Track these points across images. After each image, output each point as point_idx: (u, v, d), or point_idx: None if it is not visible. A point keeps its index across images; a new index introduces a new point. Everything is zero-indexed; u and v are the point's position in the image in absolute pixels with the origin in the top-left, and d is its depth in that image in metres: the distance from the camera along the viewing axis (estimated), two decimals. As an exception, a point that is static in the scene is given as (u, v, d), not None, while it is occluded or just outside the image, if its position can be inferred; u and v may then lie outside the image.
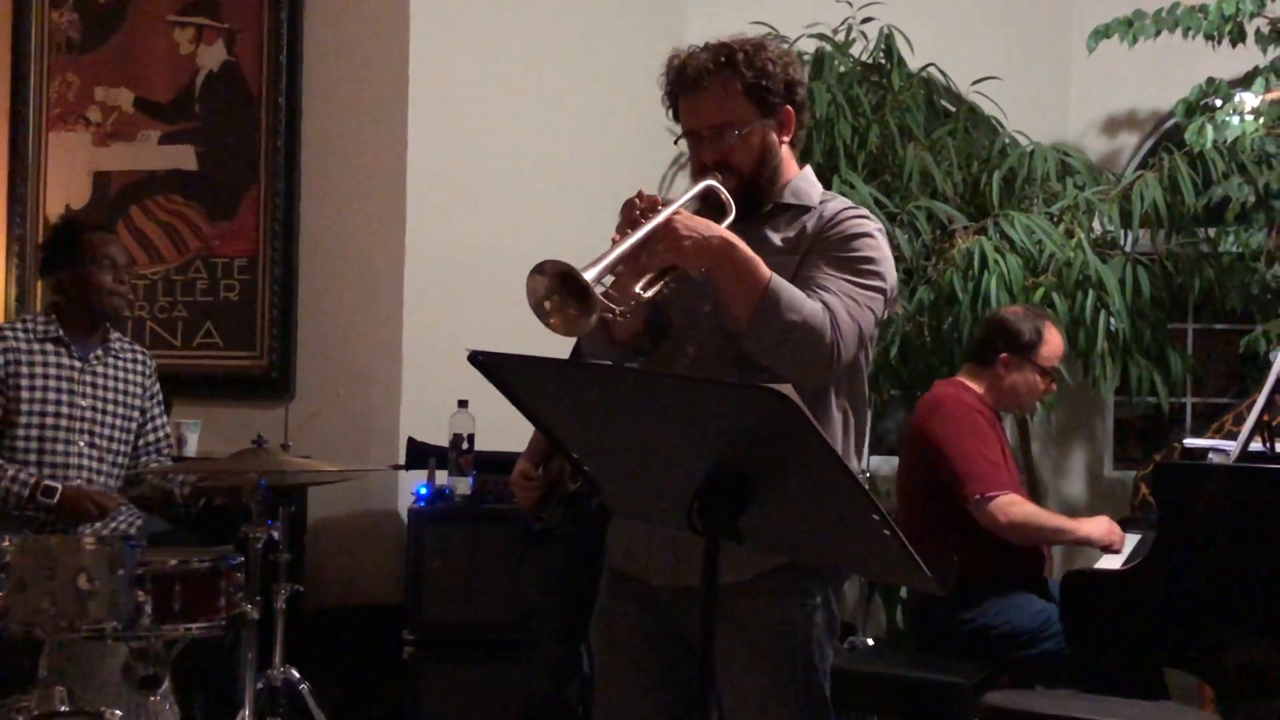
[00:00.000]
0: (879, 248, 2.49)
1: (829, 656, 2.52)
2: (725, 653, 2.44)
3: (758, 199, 2.52)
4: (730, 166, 2.48)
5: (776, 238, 2.48)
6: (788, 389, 1.54)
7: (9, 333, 3.94)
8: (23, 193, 5.36)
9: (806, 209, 2.52)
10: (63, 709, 3.14)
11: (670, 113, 2.58)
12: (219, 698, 3.92)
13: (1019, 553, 3.95)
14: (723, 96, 2.47)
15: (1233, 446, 3.62)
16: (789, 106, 2.52)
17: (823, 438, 1.59)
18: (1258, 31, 5.14)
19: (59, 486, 3.80)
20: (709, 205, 2.43)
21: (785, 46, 2.60)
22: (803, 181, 2.58)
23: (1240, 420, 4.27)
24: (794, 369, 2.30)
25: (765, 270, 2.32)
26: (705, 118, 2.48)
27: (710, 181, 2.44)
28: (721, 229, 2.34)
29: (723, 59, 2.46)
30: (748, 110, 2.48)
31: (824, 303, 2.35)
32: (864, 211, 2.55)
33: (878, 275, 2.45)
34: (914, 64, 5.48)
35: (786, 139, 2.55)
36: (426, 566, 4.43)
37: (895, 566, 1.75)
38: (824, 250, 2.45)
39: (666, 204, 2.33)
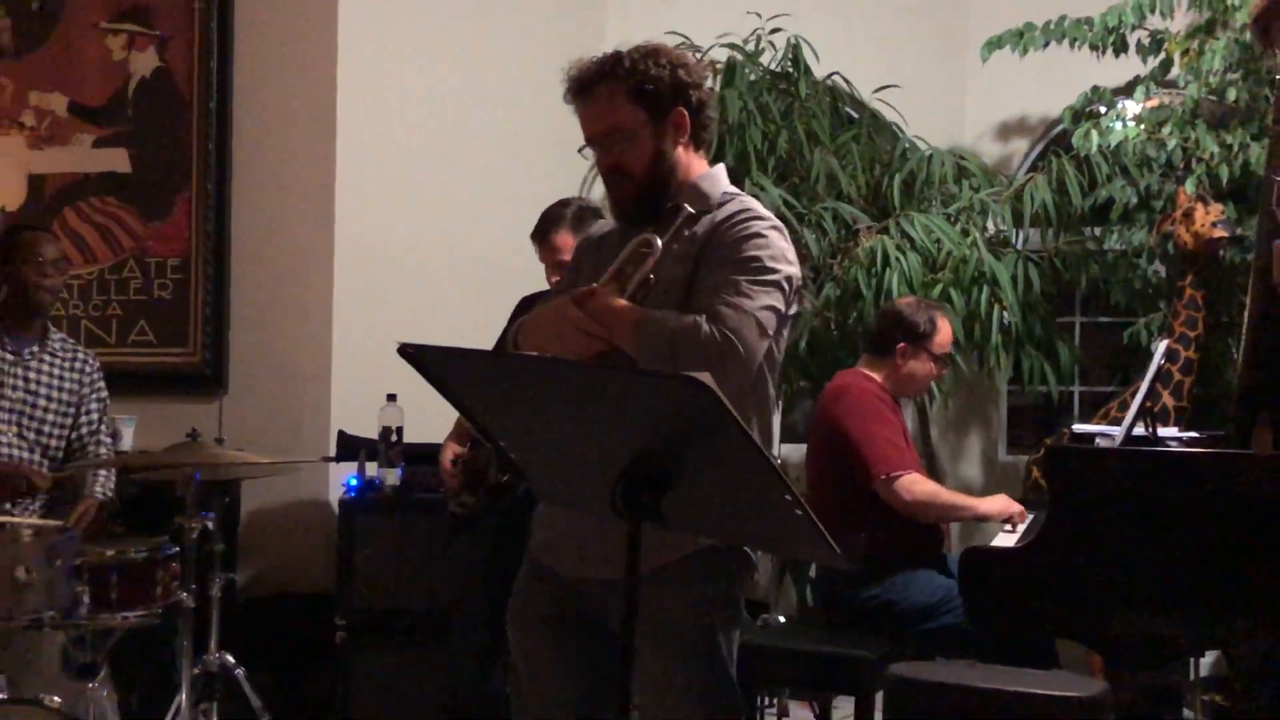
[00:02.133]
0: (769, 245, 2.45)
1: (734, 640, 2.50)
2: (641, 636, 2.45)
3: (656, 200, 2.49)
4: (623, 171, 2.48)
5: (682, 238, 2.44)
6: (706, 377, 1.54)
7: (-57, 327, 3.88)
8: (-43, 195, 5.26)
9: (709, 210, 2.48)
10: (2, 697, 3.09)
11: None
12: (156, 684, 3.90)
13: (920, 531, 4.00)
14: (609, 103, 2.46)
15: (1118, 431, 3.68)
16: (681, 108, 2.48)
17: (740, 424, 1.59)
18: (1139, 42, 5.22)
19: None
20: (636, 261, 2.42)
21: (683, 52, 2.57)
22: (705, 181, 2.54)
23: (1125, 407, 4.35)
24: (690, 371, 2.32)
25: (630, 313, 2.33)
26: (595, 124, 2.48)
27: (637, 242, 2.42)
28: (608, 305, 2.34)
29: (607, 67, 2.45)
30: (634, 115, 2.45)
31: (709, 309, 2.33)
32: (756, 213, 2.50)
33: (769, 270, 2.41)
34: (820, 72, 5.51)
35: (683, 140, 2.51)
36: (357, 555, 4.40)
37: (807, 544, 1.77)
38: (715, 257, 2.43)
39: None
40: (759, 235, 2.45)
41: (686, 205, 2.46)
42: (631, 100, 2.44)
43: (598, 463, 1.77)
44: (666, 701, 2.43)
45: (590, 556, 2.42)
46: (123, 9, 5.12)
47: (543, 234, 3.98)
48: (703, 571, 2.43)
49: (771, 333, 2.42)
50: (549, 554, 2.53)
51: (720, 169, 2.61)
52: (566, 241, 3.90)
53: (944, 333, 4.16)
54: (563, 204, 4.03)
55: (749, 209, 2.51)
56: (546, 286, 3.96)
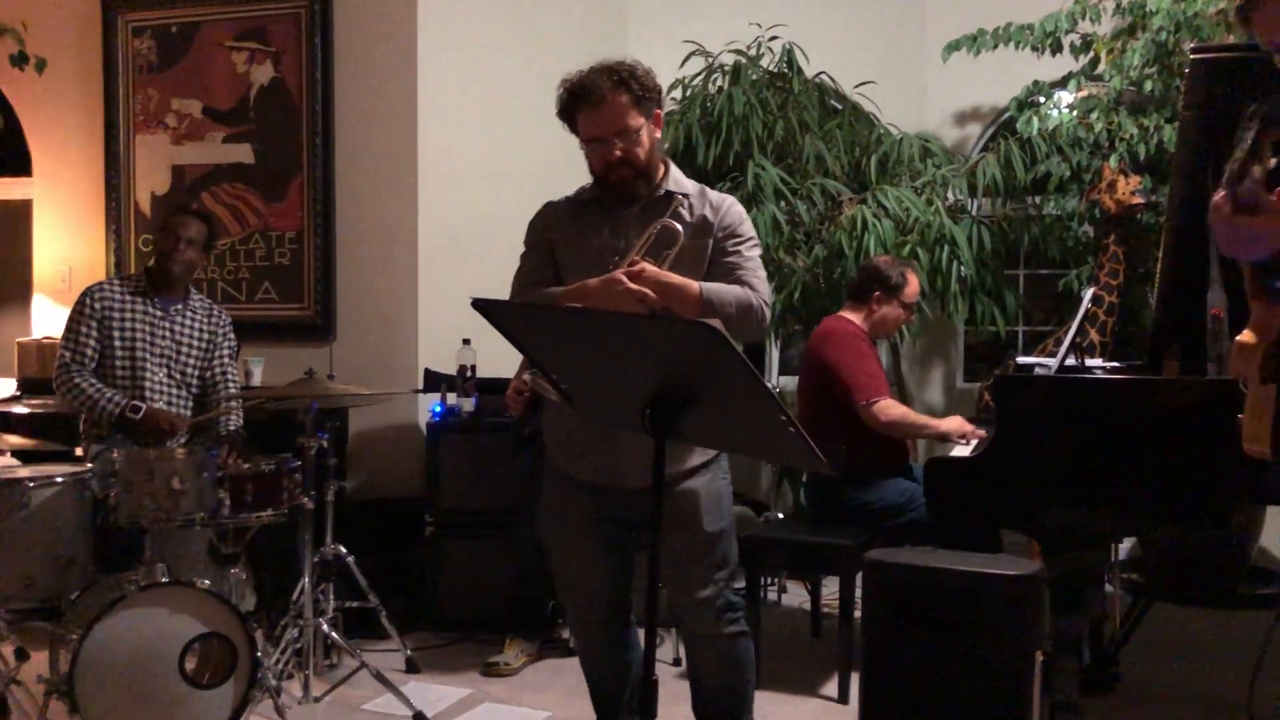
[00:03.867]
0: (748, 219, 2.66)
1: (731, 514, 2.68)
2: (665, 523, 2.52)
3: (649, 183, 2.59)
4: (630, 161, 2.55)
5: (685, 221, 2.54)
6: (716, 323, 1.56)
7: (108, 287, 3.88)
8: (116, 183, 5.26)
9: (688, 195, 2.60)
10: (163, 580, 3.15)
11: (565, 124, 2.61)
12: (284, 569, 3.92)
13: (890, 446, 4.01)
14: (620, 107, 2.52)
15: (1053, 362, 3.67)
16: (658, 110, 2.60)
17: (743, 359, 1.61)
18: (1071, 44, 5.16)
19: (144, 406, 3.74)
20: (660, 241, 2.51)
21: (642, 63, 2.64)
22: (676, 172, 2.67)
23: (1059, 343, 4.33)
24: (744, 334, 2.52)
25: (695, 286, 2.47)
26: (610, 125, 2.52)
27: (659, 226, 2.50)
28: (660, 276, 2.44)
29: (616, 79, 2.52)
30: (637, 116, 2.54)
31: (746, 284, 2.52)
32: (731, 197, 2.69)
33: (757, 242, 2.65)
34: (810, 72, 5.46)
35: (658, 135, 2.63)
36: (441, 467, 4.43)
37: (799, 454, 1.78)
38: (728, 238, 2.57)
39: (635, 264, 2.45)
40: (746, 216, 2.65)
41: (678, 194, 2.59)
42: (635, 105, 2.53)
43: (630, 391, 1.79)
44: (697, 561, 2.58)
45: (625, 470, 2.53)
46: (245, 30, 5.09)
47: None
48: (716, 463, 2.61)
49: None
50: (585, 471, 2.62)
51: (671, 162, 2.70)
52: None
53: (912, 285, 4.15)
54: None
55: (725, 195, 2.69)
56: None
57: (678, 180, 2.64)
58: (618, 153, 2.52)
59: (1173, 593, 4.29)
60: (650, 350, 1.72)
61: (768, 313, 2.55)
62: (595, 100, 2.51)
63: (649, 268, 2.43)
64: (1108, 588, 4.12)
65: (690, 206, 2.57)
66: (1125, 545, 4.80)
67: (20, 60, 4.74)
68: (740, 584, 3.18)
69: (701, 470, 2.58)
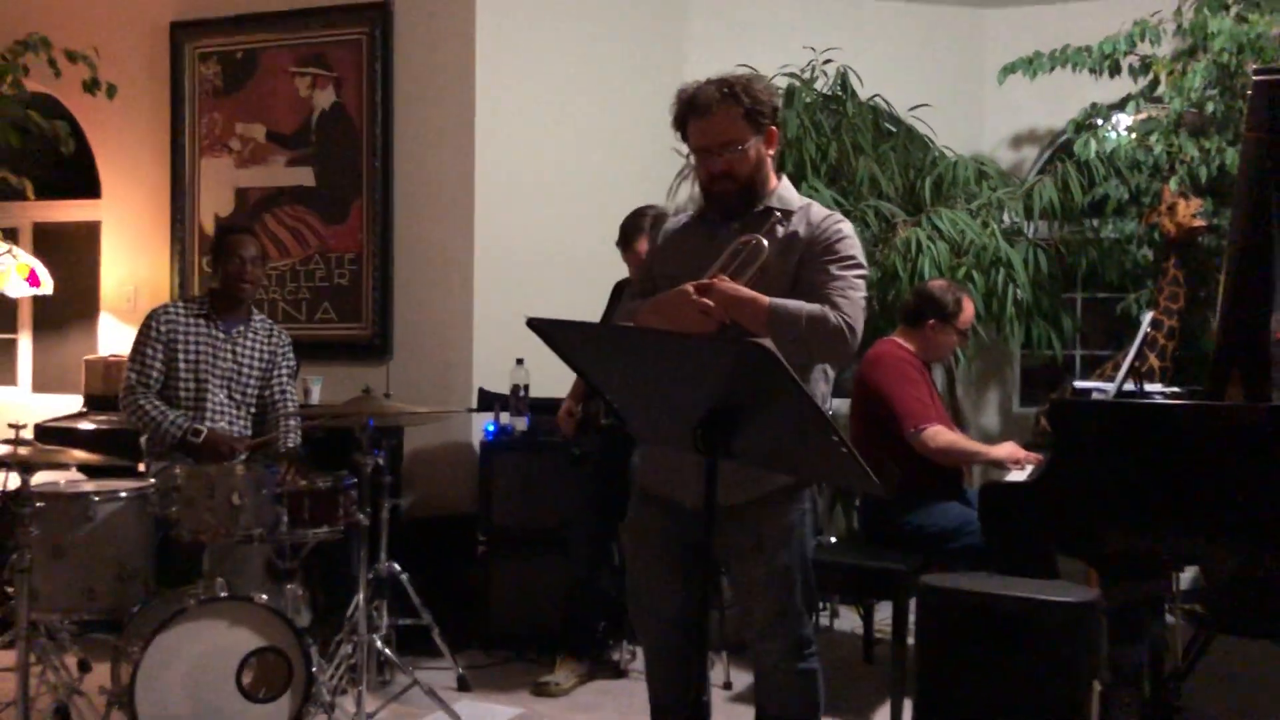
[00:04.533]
0: (854, 243, 2.51)
1: (813, 547, 2.57)
2: (738, 551, 2.50)
3: (752, 200, 2.51)
4: (734, 175, 2.48)
5: (776, 238, 2.46)
6: (767, 342, 1.55)
7: (172, 309, 3.96)
8: (182, 205, 5.37)
9: (791, 211, 2.51)
10: (221, 594, 3.19)
11: (680, 134, 2.56)
12: (338, 585, 3.94)
13: (944, 469, 3.95)
14: (728, 120, 2.45)
15: (1111, 387, 3.62)
16: (773, 127, 2.52)
17: (795, 379, 1.60)
18: (1130, 66, 5.10)
19: (204, 430, 3.80)
20: (744, 257, 2.44)
21: (769, 82, 2.59)
22: (785, 189, 2.57)
23: (1117, 368, 4.26)
24: (820, 354, 2.40)
25: (764, 300, 2.36)
26: (715, 136, 2.47)
27: (743, 242, 2.44)
28: (730, 291, 2.36)
29: (726, 90, 2.46)
30: (746, 130, 2.47)
31: (828, 301, 2.38)
32: (838, 215, 2.56)
33: (858, 264, 2.49)
34: (864, 95, 5.44)
35: (771, 153, 2.55)
36: (494, 485, 4.45)
37: (850, 474, 1.77)
38: (817, 255, 2.46)
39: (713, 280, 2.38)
40: (849, 236, 2.50)
41: (775, 209, 2.50)
42: (745, 119, 2.46)
43: (682, 410, 1.78)
44: (769, 592, 2.49)
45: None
46: (307, 56, 5.18)
47: (626, 242, 3.93)
48: (794, 494, 2.49)
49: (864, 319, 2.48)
50: (665, 486, 2.52)
51: (786, 179, 2.62)
52: (646, 246, 3.87)
53: (967, 312, 4.09)
54: (639, 214, 3.94)
55: (832, 213, 2.56)
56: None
57: (783, 196, 2.55)
58: (721, 165, 2.48)
59: (1236, 624, 4.18)
60: (701, 369, 1.72)
61: (851, 335, 2.37)
62: (703, 110, 2.47)
63: (721, 282, 2.37)
64: (1168, 618, 4.03)
65: (786, 223, 2.49)
66: (1187, 575, 4.70)
67: (92, 86, 4.86)
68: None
69: (781, 498, 2.49)
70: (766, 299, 2.37)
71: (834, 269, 2.43)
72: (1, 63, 4.79)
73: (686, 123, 2.51)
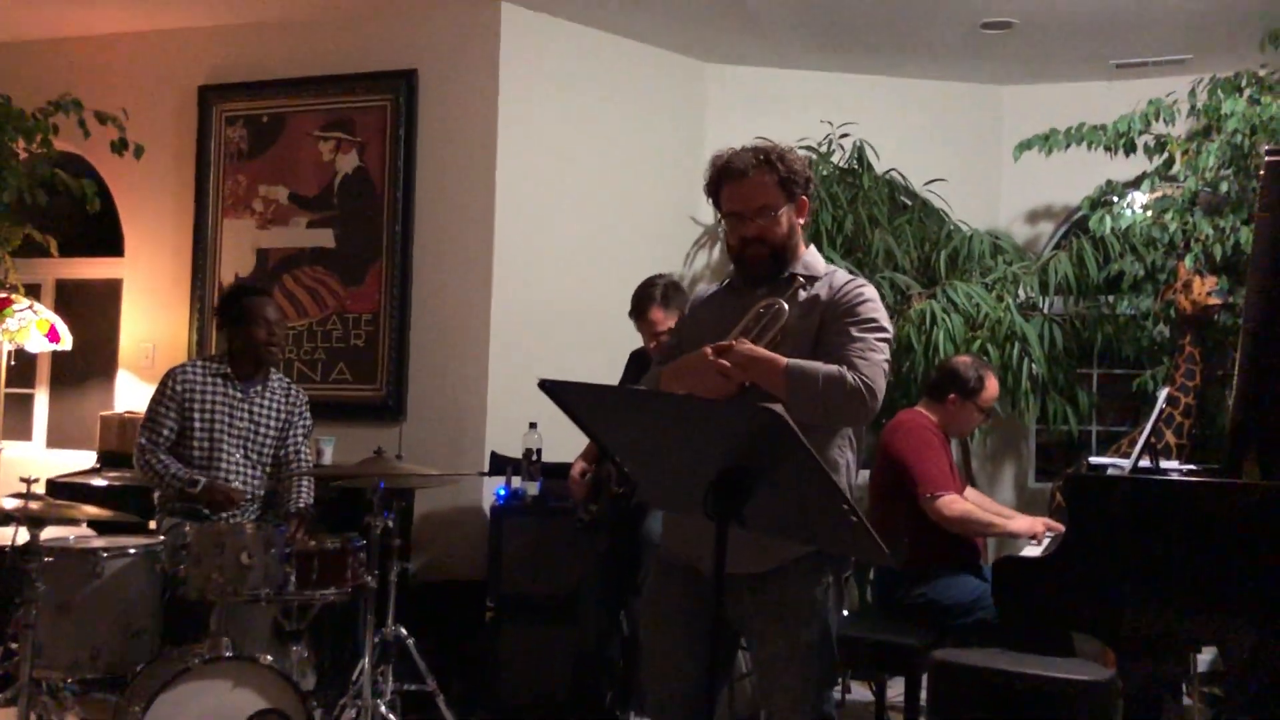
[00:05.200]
0: (876, 306, 2.49)
1: (837, 622, 2.50)
2: (760, 623, 2.44)
3: (781, 266, 2.52)
4: (766, 239, 2.49)
5: (798, 302, 2.48)
6: (778, 407, 1.55)
7: (190, 369, 3.98)
8: (203, 264, 5.43)
9: (816, 277, 2.53)
10: (227, 654, 3.17)
11: (712, 200, 2.57)
12: (344, 649, 3.92)
13: (959, 543, 3.91)
14: (762, 185, 2.47)
15: (1126, 463, 3.59)
16: (805, 197, 2.54)
17: (806, 445, 1.59)
18: (1145, 145, 5.14)
19: (201, 480, 3.78)
20: (766, 320, 2.45)
21: (802, 153, 2.60)
22: (811, 256, 2.59)
23: (1133, 444, 4.23)
24: (838, 415, 2.36)
25: (781, 361, 2.35)
26: (749, 201, 2.48)
27: (764, 305, 2.46)
28: (753, 353, 2.36)
29: (762, 158, 2.48)
30: (780, 197, 2.48)
31: (847, 362, 2.36)
32: (862, 280, 2.55)
33: (883, 329, 2.47)
34: (880, 168, 5.50)
35: (802, 221, 2.57)
36: (504, 550, 4.42)
37: (860, 544, 1.75)
38: (838, 317, 2.45)
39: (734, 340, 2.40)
40: (871, 300, 2.49)
41: (800, 274, 2.51)
42: (779, 186, 2.48)
43: (693, 474, 1.77)
44: (791, 667, 2.42)
45: (731, 555, 2.39)
46: (332, 120, 5.27)
47: (639, 313, 3.96)
48: (818, 564, 2.43)
49: (886, 381, 2.45)
50: (686, 552, 2.47)
51: (814, 248, 2.64)
52: (659, 315, 3.88)
53: (990, 389, 4.07)
54: (650, 284, 3.97)
55: (855, 277, 2.56)
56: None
57: (808, 263, 2.56)
58: (753, 230, 2.49)
59: (1255, 707, 4.10)
60: (712, 433, 1.71)
61: (870, 395, 2.34)
62: (738, 174, 2.49)
63: (740, 344, 2.38)
64: (1186, 700, 3.95)
65: (809, 287, 2.50)
66: (1205, 657, 4.62)
67: (120, 146, 4.95)
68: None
69: (805, 568, 2.42)
70: (784, 359, 2.36)
71: (854, 330, 2.42)
72: (33, 122, 4.88)
73: (720, 187, 2.53)
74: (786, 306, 2.42)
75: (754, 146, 2.53)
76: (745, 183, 2.48)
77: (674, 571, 2.53)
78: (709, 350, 2.36)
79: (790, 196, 2.50)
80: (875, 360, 2.39)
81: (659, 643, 2.57)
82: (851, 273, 4.55)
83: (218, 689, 3.09)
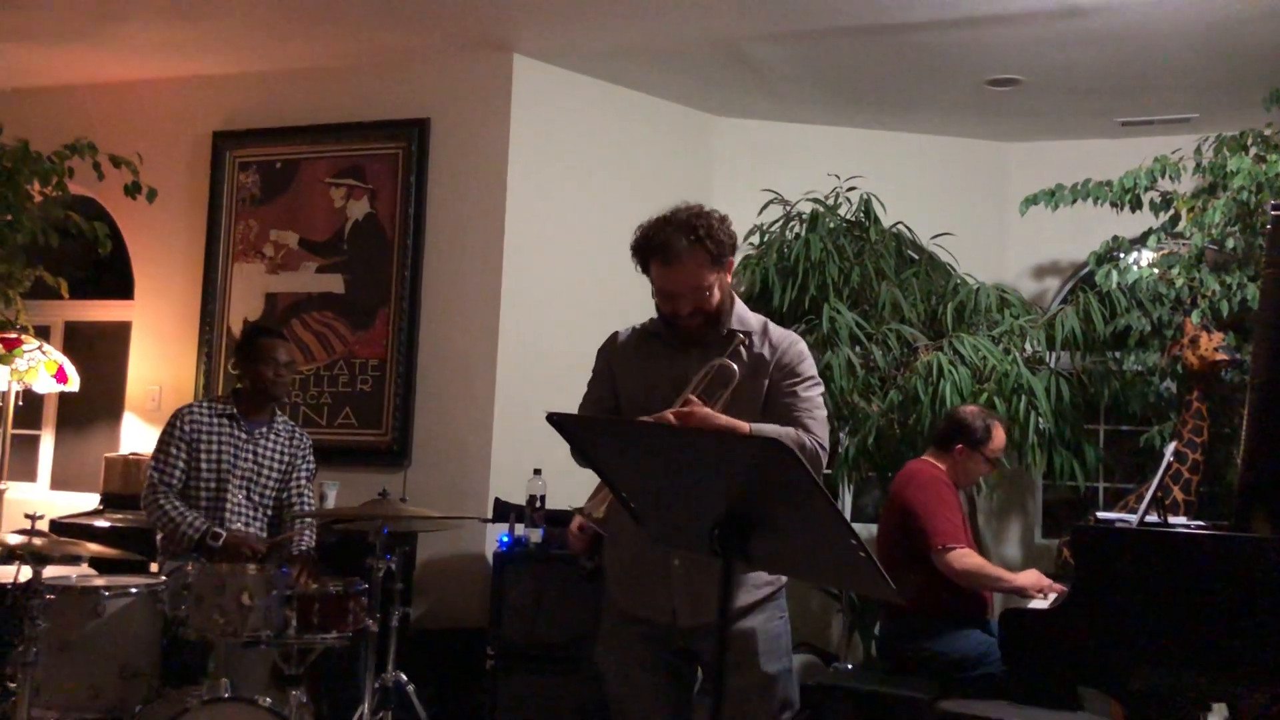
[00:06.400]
0: (810, 360, 2.63)
1: (790, 654, 2.63)
2: (728, 659, 2.46)
3: (716, 326, 2.60)
4: (702, 311, 2.57)
5: (741, 360, 2.55)
6: (788, 441, 1.56)
7: (196, 410, 3.99)
8: (212, 308, 5.47)
9: (752, 333, 2.61)
10: (225, 696, 3.15)
11: (638, 264, 2.60)
12: (343, 694, 3.89)
13: (966, 596, 3.90)
14: (695, 268, 2.51)
15: (1133, 518, 3.57)
16: (731, 257, 2.59)
17: (814, 479, 1.60)
18: (1151, 201, 5.18)
19: (224, 533, 3.79)
20: (716, 380, 2.54)
21: (719, 213, 2.61)
22: (740, 310, 2.66)
23: (1140, 499, 4.22)
24: None
25: (744, 427, 2.45)
26: (683, 284, 2.52)
27: (715, 367, 2.54)
28: (709, 418, 2.44)
29: (693, 238, 2.51)
30: (711, 273, 2.53)
31: (801, 424, 2.50)
32: (793, 334, 2.67)
33: (817, 381, 2.62)
34: (887, 222, 5.54)
35: (729, 280, 2.63)
36: (506, 597, 4.39)
37: (867, 580, 1.75)
38: (784, 378, 2.57)
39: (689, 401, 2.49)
40: (806, 356, 2.63)
41: (739, 332, 2.59)
42: (709, 263, 2.52)
43: (699, 510, 1.78)
44: (751, 700, 2.53)
45: (677, 607, 2.53)
46: (343, 168, 5.33)
47: None
48: (772, 603, 2.58)
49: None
50: (639, 609, 2.60)
51: (738, 299, 2.69)
52: None
53: (997, 440, 4.07)
54: None
55: (789, 332, 2.68)
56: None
57: (741, 317, 2.63)
58: (688, 307, 2.55)
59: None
60: (721, 467, 1.72)
61: (822, 454, 2.52)
62: (670, 258, 2.51)
63: (698, 409, 2.44)
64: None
65: (750, 345, 2.58)
66: (1216, 717, 4.56)
67: (133, 190, 5.01)
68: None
69: (759, 608, 2.54)
70: (746, 426, 2.45)
71: (800, 391, 2.55)
72: (48, 165, 4.95)
73: (648, 261, 2.56)
74: (736, 368, 2.51)
75: (682, 221, 2.53)
76: (678, 267, 2.52)
77: (625, 616, 2.63)
78: (670, 415, 2.42)
79: (720, 264, 2.54)
80: (821, 418, 2.55)
81: (623, 688, 2.67)
82: (859, 324, 4.63)
83: (216, 731, 3.07)
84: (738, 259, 2.70)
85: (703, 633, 2.49)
